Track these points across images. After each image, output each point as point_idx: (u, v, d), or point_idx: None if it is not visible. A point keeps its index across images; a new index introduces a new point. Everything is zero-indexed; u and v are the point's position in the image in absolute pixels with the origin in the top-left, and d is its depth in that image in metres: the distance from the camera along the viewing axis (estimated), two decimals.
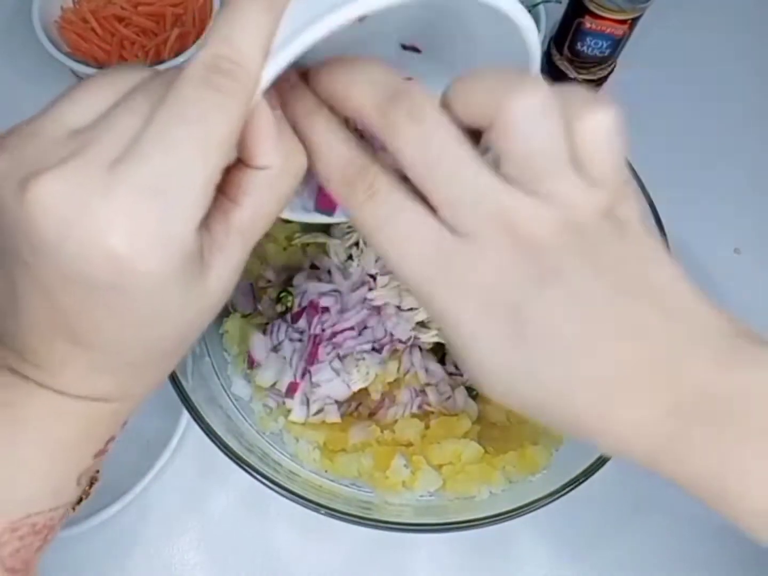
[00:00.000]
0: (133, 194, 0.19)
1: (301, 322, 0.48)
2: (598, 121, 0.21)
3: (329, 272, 0.50)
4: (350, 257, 0.49)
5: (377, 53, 0.26)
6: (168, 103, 0.20)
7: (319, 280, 0.49)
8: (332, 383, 0.47)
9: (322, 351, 0.47)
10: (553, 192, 0.21)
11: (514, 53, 0.25)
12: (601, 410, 0.22)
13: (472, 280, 0.21)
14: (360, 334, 0.47)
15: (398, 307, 0.48)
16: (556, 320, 0.21)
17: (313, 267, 0.51)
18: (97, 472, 0.51)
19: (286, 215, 0.29)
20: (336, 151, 0.23)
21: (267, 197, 0.23)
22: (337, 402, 0.48)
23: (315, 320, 0.47)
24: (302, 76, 0.25)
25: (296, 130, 0.24)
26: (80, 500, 0.50)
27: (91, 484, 0.50)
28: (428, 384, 0.49)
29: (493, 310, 0.21)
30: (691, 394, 0.21)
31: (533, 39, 0.25)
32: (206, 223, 0.21)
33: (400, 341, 0.48)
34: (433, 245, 0.22)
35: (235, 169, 0.22)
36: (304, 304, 0.48)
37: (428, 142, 0.21)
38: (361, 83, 0.23)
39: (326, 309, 0.48)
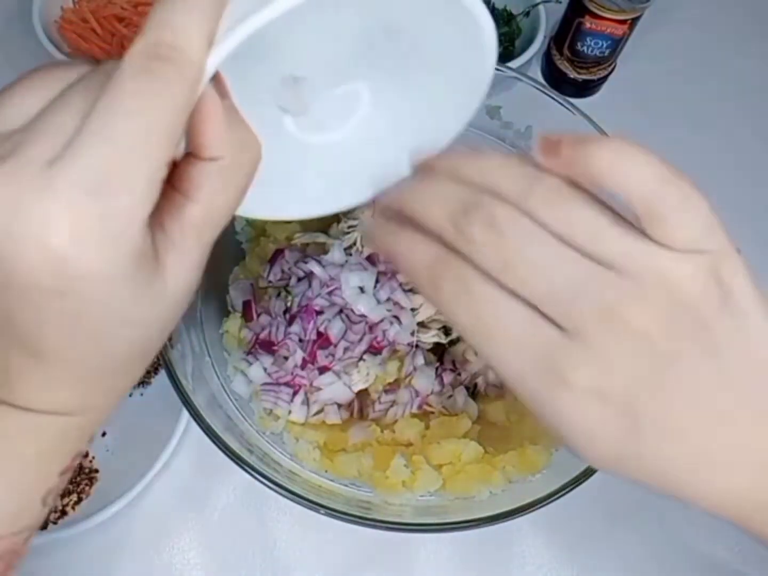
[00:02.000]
0: (72, 192, 0.18)
1: (296, 327, 0.48)
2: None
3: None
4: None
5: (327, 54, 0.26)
6: (106, 95, 0.18)
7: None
8: (333, 386, 0.47)
9: (321, 354, 0.47)
10: (649, 269, 0.21)
11: (467, 47, 0.24)
12: (699, 484, 0.23)
13: (584, 377, 0.21)
14: (361, 340, 0.47)
15: (398, 305, 0.48)
16: (674, 410, 0.21)
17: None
18: (97, 472, 0.51)
19: (240, 213, 0.27)
20: (421, 249, 0.23)
21: (220, 190, 0.21)
22: (338, 404, 0.48)
23: (310, 326, 0.47)
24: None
25: (384, 248, 0.25)
26: (80, 500, 0.50)
27: (91, 484, 0.51)
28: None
29: (608, 407, 0.21)
30: None
31: (489, 28, 0.23)
32: (160, 220, 0.20)
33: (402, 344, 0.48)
34: (543, 346, 0.21)
35: (186, 163, 0.21)
36: (304, 303, 0.48)
37: (508, 242, 0.21)
38: (431, 206, 0.23)
39: (321, 311, 0.48)
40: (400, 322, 0.48)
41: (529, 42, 0.64)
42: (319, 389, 0.47)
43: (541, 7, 0.65)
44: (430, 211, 0.23)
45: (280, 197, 0.29)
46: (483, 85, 0.26)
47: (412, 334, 0.48)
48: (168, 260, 0.21)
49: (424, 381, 0.48)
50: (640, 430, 0.21)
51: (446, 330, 0.50)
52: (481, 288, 0.22)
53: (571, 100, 0.48)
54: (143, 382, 0.54)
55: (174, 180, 0.21)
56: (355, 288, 0.47)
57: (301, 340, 0.48)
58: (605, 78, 0.68)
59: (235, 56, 0.20)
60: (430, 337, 0.49)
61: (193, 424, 0.40)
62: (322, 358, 0.47)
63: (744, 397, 0.22)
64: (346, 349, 0.47)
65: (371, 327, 0.48)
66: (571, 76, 0.67)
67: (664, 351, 0.21)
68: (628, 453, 0.22)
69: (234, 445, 0.40)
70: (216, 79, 0.21)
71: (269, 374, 0.48)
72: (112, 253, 0.18)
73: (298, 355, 0.47)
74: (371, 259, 0.49)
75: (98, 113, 0.18)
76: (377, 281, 0.48)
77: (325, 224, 0.52)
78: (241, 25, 0.19)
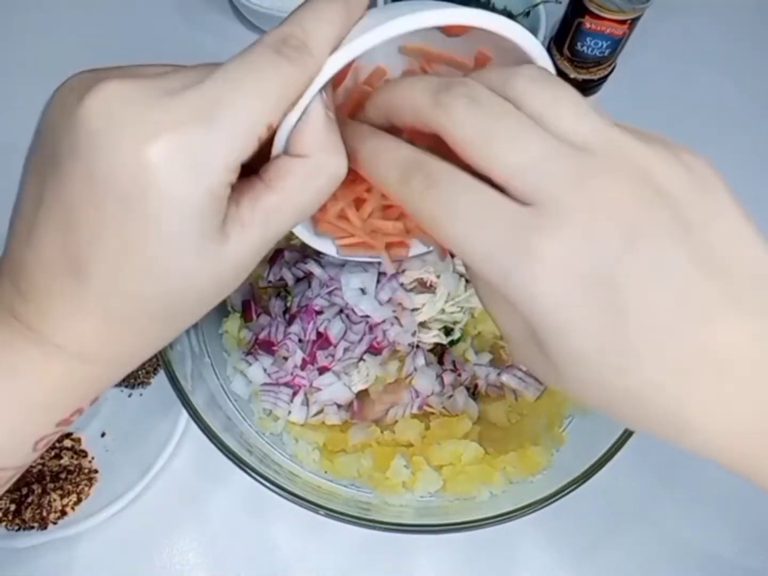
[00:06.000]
0: (185, 112, 0.20)
1: (296, 327, 0.48)
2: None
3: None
4: None
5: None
6: (240, 54, 0.22)
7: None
8: (333, 387, 0.47)
9: (320, 354, 0.47)
10: (624, 150, 0.21)
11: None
12: (694, 402, 0.20)
13: (557, 254, 0.20)
14: (361, 340, 0.47)
15: (401, 305, 0.48)
16: (656, 298, 0.20)
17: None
18: (96, 472, 0.51)
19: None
20: (392, 152, 0.24)
21: (299, 186, 0.23)
22: (337, 405, 0.48)
23: (310, 326, 0.47)
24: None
25: (352, 152, 0.25)
26: (80, 500, 0.50)
27: (91, 484, 0.50)
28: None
29: (586, 285, 0.20)
30: None
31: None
32: (237, 198, 0.22)
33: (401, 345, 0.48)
34: (510, 224, 0.20)
35: (277, 158, 0.23)
36: (303, 303, 0.48)
37: (487, 112, 0.21)
38: (412, 89, 0.24)
39: (321, 312, 0.47)
40: (400, 323, 0.48)
41: None
42: (318, 390, 0.47)
43: (541, 7, 0.65)
44: (410, 92, 0.24)
45: None
46: None
47: (413, 334, 0.48)
48: (233, 233, 0.22)
49: (425, 381, 0.48)
50: (621, 318, 0.20)
51: (447, 330, 0.50)
52: (450, 175, 0.22)
53: None
54: (143, 382, 0.54)
55: (261, 172, 0.23)
56: (355, 289, 0.47)
57: (300, 341, 0.48)
58: (605, 78, 0.68)
59: None
60: (431, 337, 0.49)
61: (193, 425, 0.40)
62: (321, 358, 0.47)
63: (733, 293, 0.20)
64: (345, 350, 0.47)
65: (371, 327, 0.48)
66: (571, 76, 0.67)
67: (641, 225, 0.20)
68: (609, 348, 0.20)
69: (233, 446, 0.40)
70: (328, 90, 0.24)
71: (269, 375, 0.48)
72: (193, 181, 0.20)
73: (298, 356, 0.47)
74: None
75: (230, 64, 0.21)
76: (378, 282, 0.48)
77: None
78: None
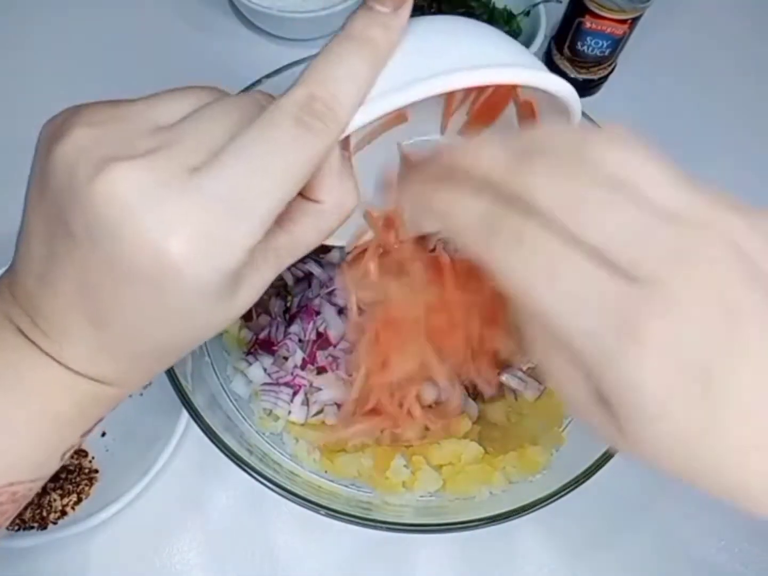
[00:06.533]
0: (206, 201, 0.20)
1: (296, 327, 0.48)
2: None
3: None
4: None
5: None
6: (257, 125, 0.20)
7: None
8: (333, 387, 0.47)
9: (320, 355, 0.47)
10: (715, 223, 0.19)
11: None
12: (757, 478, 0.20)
13: (665, 339, 0.18)
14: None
15: None
16: (742, 381, 0.19)
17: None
18: (96, 472, 0.51)
19: None
20: (472, 202, 0.21)
21: (311, 228, 0.23)
22: (337, 405, 0.48)
23: (310, 326, 0.47)
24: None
25: (421, 197, 0.22)
26: (80, 500, 0.50)
27: (91, 484, 0.51)
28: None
29: (689, 373, 0.18)
30: None
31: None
32: None
33: None
34: (615, 300, 0.18)
35: (291, 200, 0.23)
36: (303, 303, 0.48)
37: (575, 179, 0.19)
38: (488, 149, 0.21)
39: (321, 312, 0.47)
40: None
41: (530, 42, 0.64)
42: (318, 389, 0.47)
43: (541, 7, 0.65)
44: (481, 155, 0.21)
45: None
46: None
47: None
48: (246, 279, 0.22)
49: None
50: (711, 402, 0.19)
51: None
52: (539, 236, 0.19)
53: None
54: None
55: None
56: None
57: (300, 341, 0.48)
58: (605, 78, 0.68)
59: None
60: None
61: (193, 424, 0.40)
62: (321, 358, 0.47)
63: None
64: (346, 350, 0.47)
65: None
66: (572, 76, 0.67)
67: (741, 308, 0.18)
68: (695, 428, 0.19)
69: (234, 446, 0.40)
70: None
71: (269, 374, 0.48)
72: (215, 266, 0.20)
73: (298, 356, 0.47)
74: None
75: (247, 137, 0.20)
76: None
77: None
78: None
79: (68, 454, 0.26)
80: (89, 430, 0.27)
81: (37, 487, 0.26)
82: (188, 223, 0.19)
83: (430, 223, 0.22)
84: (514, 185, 0.20)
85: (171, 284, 0.20)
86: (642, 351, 0.18)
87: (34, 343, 0.23)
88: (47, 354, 0.23)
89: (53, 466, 0.26)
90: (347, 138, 0.23)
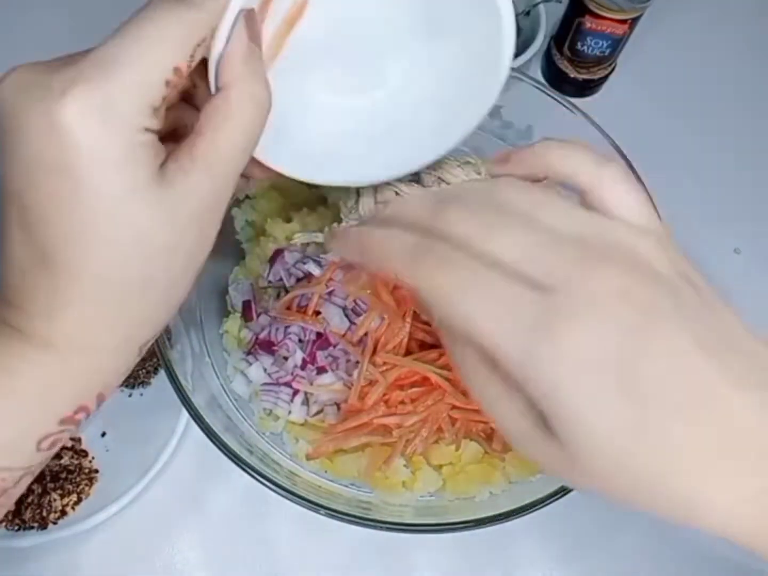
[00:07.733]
0: (87, 69, 0.21)
1: (296, 327, 0.48)
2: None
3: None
4: None
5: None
6: (142, 10, 0.22)
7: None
8: (333, 387, 0.47)
9: (320, 355, 0.47)
10: (617, 241, 0.22)
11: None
12: (697, 486, 0.21)
13: (572, 330, 0.20)
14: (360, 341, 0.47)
15: None
16: (666, 380, 0.20)
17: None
18: (97, 472, 0.51)
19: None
20: (402, 237, 0.24)
21: (229, 127, 0.23)
22: (337, 405, 0.48)
23: (310, 326, 0.47)
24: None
25: (362, 247, 0.26)
26: (80, 500, 0.50)
27: (91, 484, 0.51)
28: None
29: (604, 371, 0.20)
30: None
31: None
32: (176, 154, 0.23)
33: None
34: (527, 303, 0.20)
35: (205, 104, 0.24)
36: (303, 303, 0.48)
37: (484, 213, 0.23)
38: (414, 201, 0.26)
39: (321, 312, 0.47)
40: None
41: (530, 41, 0.64)
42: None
43: (541, 7, 0.65)
44: (408, 206, 0.25)
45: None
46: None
47: None
48: (176, 181, 0.22)
49: None
50: (640, 405, 0.20)
51: None
52: (459, 258, 0.22)
53: (572, 99, 0.47)
54: (143, 382, 0.54)
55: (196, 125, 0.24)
56: None
57: (300, 341, 0.48)
58: (605, 78, 0.68)
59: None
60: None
61: (193, 424, 0.40)
62: (321, 358, 0.47)
63: (727, 367, 0.20)
64: (345, 350, 0.47)
65: None
66: (572, 76, 0.67)
67: (645, 303, 0.20)
68: (633, 428, 0.20)
69: (234, 446, 0.40)
70: (248, 20, 0.23)
71: (269, 374, 0.48)
72: (106, 131, 0.21)
73: (298, 356, 0.47)
74: None
75: (131, 18, 0.22)
76: None
77: (324, 224, 0.52)
78: None
79: (48, 444, 0.25)
80: (71, 419, 0.25)
81: (13, 479, 0.24)
82: (73, 87, 0.20)
83: (368, 255, 0.25)
84: (436, 222, 0.23)
85: (77, 160, 0.20)
86: (556, 351, 0.20)
87: (10, 325, 0.23)
88: (18, 331, 0.23)
89: (28, 456, 0.24)
90: (254, 28, 0.24)
